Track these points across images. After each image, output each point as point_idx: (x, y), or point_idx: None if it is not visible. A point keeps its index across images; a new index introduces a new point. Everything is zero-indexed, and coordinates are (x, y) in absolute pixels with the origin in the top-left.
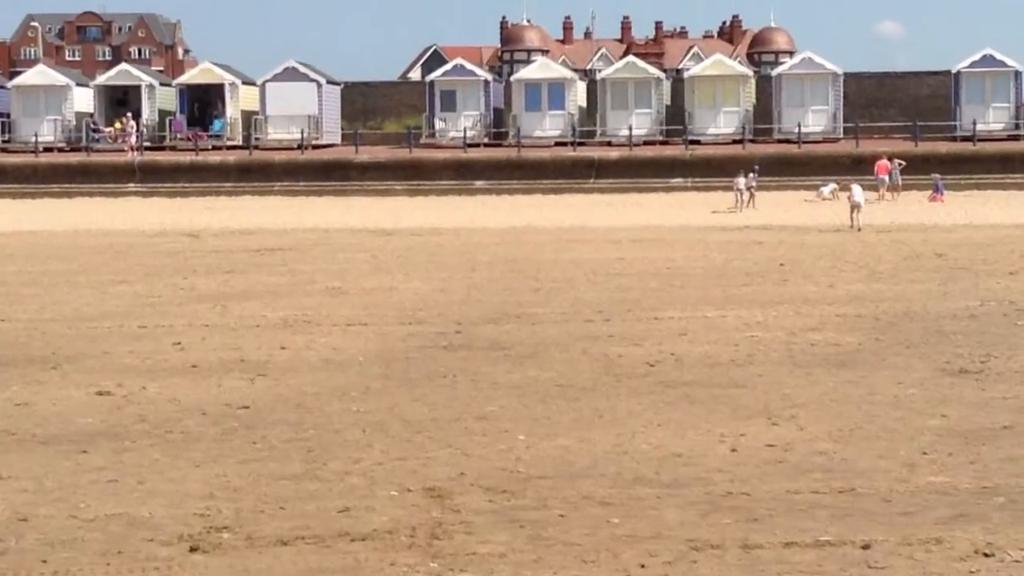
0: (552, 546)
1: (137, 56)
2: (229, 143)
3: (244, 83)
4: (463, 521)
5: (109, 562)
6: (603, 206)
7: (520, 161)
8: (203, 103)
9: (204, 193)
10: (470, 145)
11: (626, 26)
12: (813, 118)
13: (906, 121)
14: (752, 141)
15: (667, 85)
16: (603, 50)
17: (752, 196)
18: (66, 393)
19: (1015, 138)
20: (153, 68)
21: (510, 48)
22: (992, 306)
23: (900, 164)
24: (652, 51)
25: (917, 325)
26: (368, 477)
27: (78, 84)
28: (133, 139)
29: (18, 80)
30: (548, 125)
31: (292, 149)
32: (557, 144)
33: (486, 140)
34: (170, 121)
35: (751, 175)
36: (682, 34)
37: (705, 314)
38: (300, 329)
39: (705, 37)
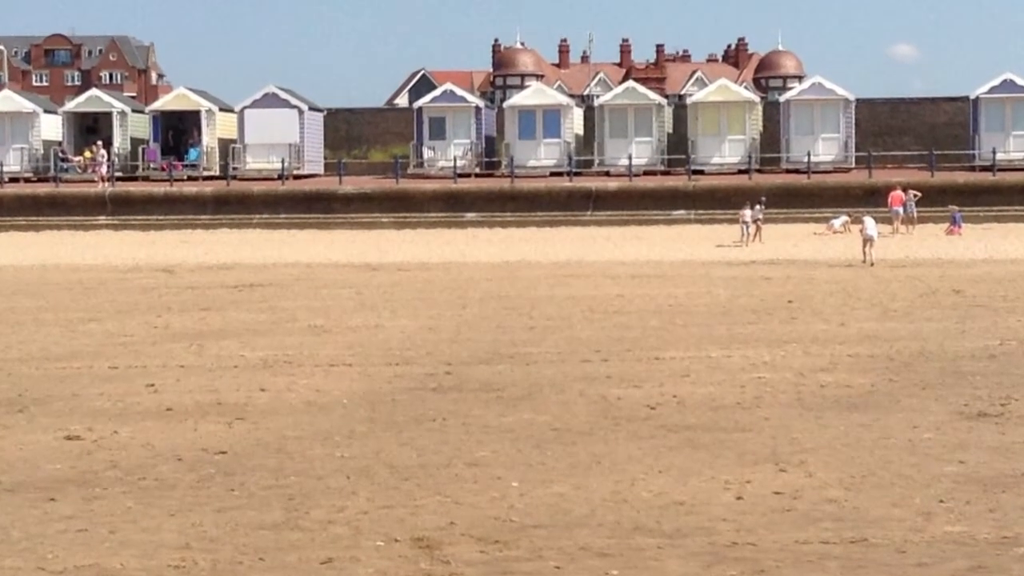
0: None
1: (108, 81)
2: (205, 173)
3: (221, 110)
4: (453, 573)
5: None
6: (601, 240)
7: (513, 192)
8: (178, 131)
9: (179, 226)
10: (460, 175)
11: (625, 49)
12: (823, 146)
13: (921, 149)
14: (759, 171)
15: (669, 112)
16: (601, 75)
17: (759, 229)
18: (33, 438)
19: None
20: (125, 94)
21: (503, 73)
22: (1013, 345)
23: (915, 195)
24: (653, 76)
25: (933, 365)
26: (353, 526)
27: (46, 111)
28: (104, 169)
29: None
30: (543, 154)
31: (272, 179)
32: (552, 174)
33: (477, 170)
34: (143, 150)
35: (758, 207)
36: (684, 58)
37: (709, 354)
38: (281, 370)
39: (709, 61)
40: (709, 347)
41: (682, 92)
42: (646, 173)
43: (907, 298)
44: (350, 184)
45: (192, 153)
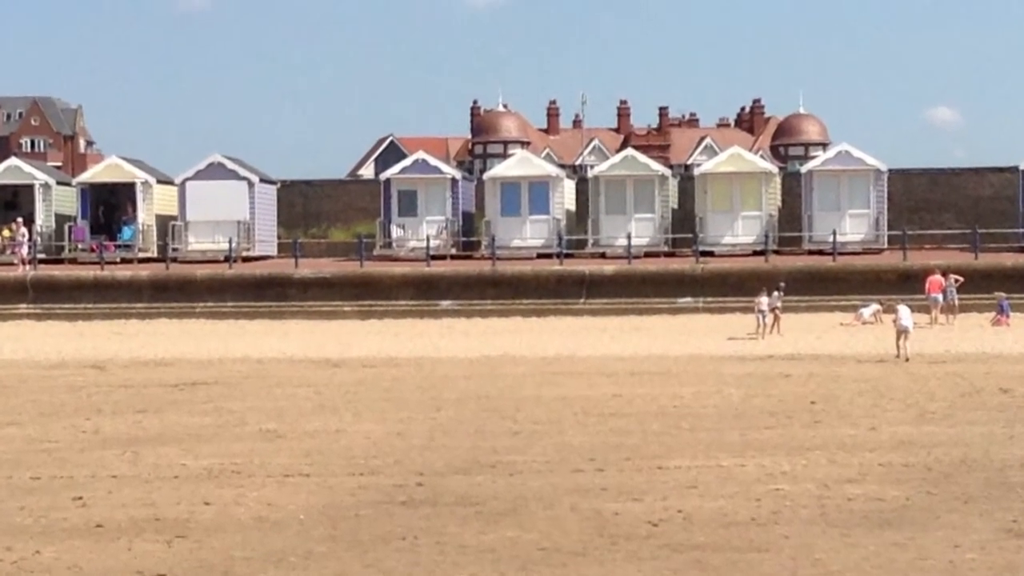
0: None
1: (30, 149)
2: (141, 255)
3: (160, 182)
4: None
5: None
6: (596, 332)
7: (495, 277)
8: (110, 206)
9: (111, 315)
10: (434, 257)
11: (624, 112)
12: (851, 224)
13: (964, 227)
14: (777, 252)
15: (673, 184)
16: (596, 141)
17: (777, 319)
18: None
19: None
20: (49, 163)
21: (483, 139)
22: None
23: (956, 280)
24: (655, 143)
25: (977, 476)
26: None
27: None
28: (24, 250)
29: None
30: (529, 233)
31: (218, 262)
32: (540, 256)
33: (454, 251)
34: (70, 228)
35: (776, 294)
36: (692, 122)
37: (720, 463)
38: (228, 480)
39: (720, 126)
40: (720, 455)
41: (689, 162)
42: (647, 255)
43: (947, 398)
44: (307, 267)
45: (126, 232)
